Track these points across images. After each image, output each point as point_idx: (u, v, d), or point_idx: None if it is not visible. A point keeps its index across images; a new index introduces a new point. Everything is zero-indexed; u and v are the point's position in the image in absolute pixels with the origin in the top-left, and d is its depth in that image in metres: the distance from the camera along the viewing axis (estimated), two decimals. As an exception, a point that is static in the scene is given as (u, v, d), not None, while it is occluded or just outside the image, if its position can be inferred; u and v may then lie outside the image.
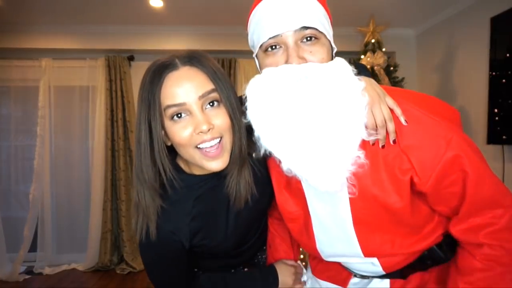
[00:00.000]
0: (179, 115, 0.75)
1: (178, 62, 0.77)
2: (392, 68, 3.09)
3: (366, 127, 0.68)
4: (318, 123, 0.65)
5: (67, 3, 2.92)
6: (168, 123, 0.77)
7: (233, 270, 1.04)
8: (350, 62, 0.73)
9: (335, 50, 0.78)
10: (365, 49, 3.07)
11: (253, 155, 0.78)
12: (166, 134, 0.79)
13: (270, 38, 0.70)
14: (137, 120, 0.79)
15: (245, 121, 0.74)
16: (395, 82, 3.06)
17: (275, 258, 1.05)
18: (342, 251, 0.83)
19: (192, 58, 0.78)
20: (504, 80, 2.52)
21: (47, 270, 3.37)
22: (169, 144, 0.81)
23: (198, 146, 0.76)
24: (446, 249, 0.79)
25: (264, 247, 1.11)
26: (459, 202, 0.71)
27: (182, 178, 0.84)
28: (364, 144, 0.70)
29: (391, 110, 0.70)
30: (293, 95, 0.66)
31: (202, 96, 0.75)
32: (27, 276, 3.30)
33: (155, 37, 3.51)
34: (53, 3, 2.89)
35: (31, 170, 3.44)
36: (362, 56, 3.04)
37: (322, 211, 0.80)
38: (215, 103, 0.78)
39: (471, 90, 3.01)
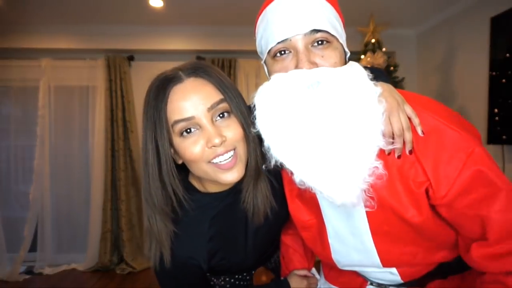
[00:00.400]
0: (188, 130, 0.71)
1: (182, 74, 0.73)
2: (392, 68, 3.09)
3: (383, 135, 0.63)
4: (332, 132, 0.61)
5: (67, 3, 2.91)
6: (177, 140, 0.72)
7: (245, 274, 1.00)
8: (366, 67, 0.70)
9: (348, 55, 0.74)
10: (365, 49, 3.07)
11: (264, 166, 0.74)
12: (175, 151, 0.75)
13: (278, 42, 0.67)
14: (143, 140, 0.76)
15: (254, 131, 0.69)
16: (395, 82, 3.06)
17: (289, 268, 1.01)
18: (359, 261, 0.79)
19: (197, 69, 0.75)
20: (504, 80, 2.52)
21: (47, 270, 3.37)
22: (179, 162, 0.77)
23: (212, 161, 0.72)
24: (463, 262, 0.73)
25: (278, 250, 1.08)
26: (483, 223, 0.64)
27: (196, 198, 0.80)
28: (381, 154, 0.66)
29: (409, 119, 0.66)
30: (304, 103, 0.62)
31: (211, 108, 0.71)
32: (27, 276, 3.29)
33: (155, 37, 3.51)
34: (53, 3, 2.89)
35: (31, 170, 3.44)
36: (362, 56, 3.04)
37: (338, 221, 0.77)
38: (225, 114, 0.74)
39: (471, 90, 3.01)
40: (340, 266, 0.84)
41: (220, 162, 0.72)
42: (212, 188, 0.82)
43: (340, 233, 0.78)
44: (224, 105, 0.73)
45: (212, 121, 0.72)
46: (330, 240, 0.80)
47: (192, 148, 0.71)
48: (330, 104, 0.61)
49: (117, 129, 3.52)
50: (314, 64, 0.65)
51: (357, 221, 0.73)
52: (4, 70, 3.45)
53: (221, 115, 0.74)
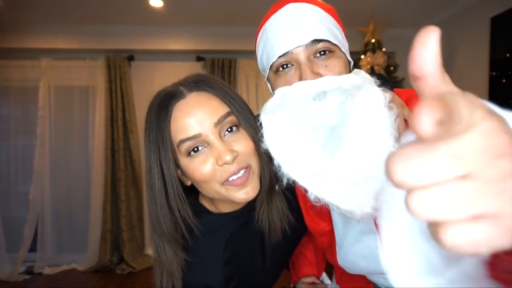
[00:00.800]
0: (195, 149, 0.66)
1: (184, 89, 0.69)
2: (392, 68, 3.09)
3: (398, 141, 0.60)
4: (344, 143, 0.59)
5: (67, 3, 2.91)
6: (184, 161, 0.67)
7: None
8: (371, 74, 0.67)
9: (352, 64, 0.73)
10: (365, 49, 3.07)
11: (276, 186, 0.70)
12: (183, 173, 0.70)
13: (280, 56, 0.65)
14: (146, 163, 0.70)
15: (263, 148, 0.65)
16: (395, 82, 3.06)
17: (298, 276, 1.00)
18: (367, 268, 0.77)
19: (199, 82, 0.70)
20: (504, 80, 2.52)
21: (47, 270, 3.37)
22: (188, 184, 0.73)
23: (227, 180, 0.67)
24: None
25: None
26: None
27: (208, 220, 0.75)
28: None
29: (407, 123, 0.63)
30: (312, 116, 0.59)
31: (218, 123, 0.66)
32: (27, 276, 3.29)
33: (155, 37, 3.51)
34: (53, 3, 2.89)
35: (31, 170, 3.44)
36: (362, 56, 3.04)
37: (346, 232, 0.75)
38: (234, 128, 0.69)
39: (471, 90, 2.92)
40: (348, 271, 0.82)
41: (232, 179, 0.67)
42: (225, 208, 0.77)
43: (347, 242, 0.76)
44: (231, 118, 0.68)
45: (221, 137, 0.67)
46: (337, 248, 0.79)
47: (201, 168, 0.66)
48: (339, 115, 0.59)
49: (117, 129, 3.52)
50: (318, 75, 0.63)
51: (365, 230, 0.71)
52: (4, 70, 3.45)
53: (229, 129, 0.69)
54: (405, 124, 0.64)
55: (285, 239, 0.79)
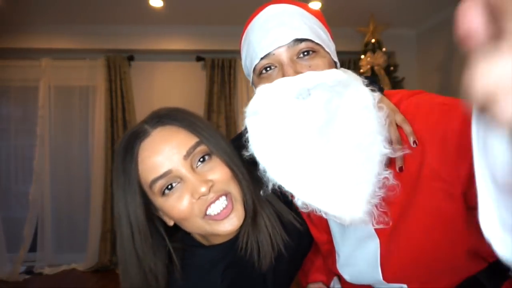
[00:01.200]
0: (169, 187, 0.63)
1: (148, 127, 0.66)
2: (392, 68, 3.10)
3: (389, 142, 0.58)
4: (331, 144, 0.56)
5: (67, 3, 2.92)
6: (159, 201, 0.64)
7: None
8: (371, 74, 0.67)
9: (338, 65, 0.70)
10: (365, 49, 3.07)
11: (261, 192, 0.66)
12: (164, 213, 0.67)
13: (262, 58, 0.63)
14: (115, 211, 0.66)
15: (247, 154, 0.62)
16: (395, 82, 3.06)
17: (307, 281, 0.97)
18: (369, 276, 0.73)
19: (162, 117, 0.67)
20: (504, 80, 2.52)
21: (47, 270, 3.37)
22: (171, 224, 0.69)
23: (206, 213, 0.64)
24: (490, 277, 0.65)
25: None
26: None
27: (201, 254, 0.72)
28: (392, 164, 0.60)
29: (400, 128, 0.61)
30: (296, 116, 0.56)
31: (187, 155, 0.63)
32: (27, 276, 3.29)
33: (155, 37, 3.51)
34: (53, 3, 2.90)
35: (31, 170, 3.44)
36: (362, 56, 3.04)
37: (344, 240, 0.72)
38: (206, 157, 0.66)
39: None
40: (351, 282, 0.79)
41: (215, 213, 0.64)
42: (217, 239, 0.73)
43: (346, 248, 0.73)
44: (202, 148, 0.65)
45: (193, 169, 0.64)
46: (336, 256, 0.77)
47: (178, 206, 0.63)
48: (325, 114, 0.56)
49: (117, 129, 3.52)
50: None
51: (363, 236, 0.68)
52: (4, 70, 3.45)
53: (201, 160, 0.66)
54: (398, 130, 0.61)
55: (284, 261, 0.74)
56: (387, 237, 0.65)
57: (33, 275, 3.34)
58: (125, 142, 0.66)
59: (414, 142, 0.59)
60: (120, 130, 3.51)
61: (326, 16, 0.73)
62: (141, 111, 3.59)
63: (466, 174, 0.55)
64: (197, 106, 3.56)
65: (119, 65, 3.53)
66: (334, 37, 0.72)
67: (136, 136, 0.65)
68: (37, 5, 2.92)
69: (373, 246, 0.67)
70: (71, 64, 3.53)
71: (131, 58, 3.63)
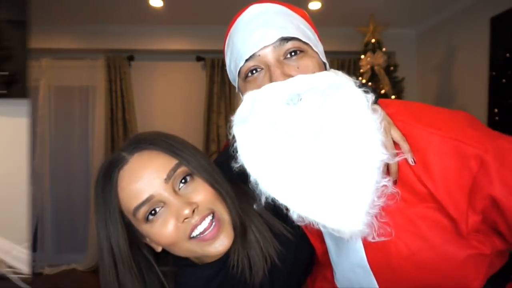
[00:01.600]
0: (153, 212, 0.61)
1: (125, 154, 0.64)
2: (392, 68, 3.09)
3: (385, 147, 0.54)
4: (325, 152, 0.53)
5: (67, 3, 2.92)
6: (145, 228, 0.63)
7: None
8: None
9: (327, 65, 0.67)
10: (365, 49, 3.07)
11: (254, 206, 0.64)
12: (151, 240, 0.66)
13: (246, 60, 0.60)
14: (98, 242, 0.65)
15: (237, 165, 0.59)
16: (395, 82, 3.06)
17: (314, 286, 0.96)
18: (366, 284, 0.71)
19: (139, 142, 0.65)
20: (504, 80, 2.52)
21: (47, 270, 3.37)
22: (159, 250, 0.68)
23: (192, 235, 0.62)
24: (493, 279, 0.62)
25: None
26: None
27: (194, 273, 0.71)
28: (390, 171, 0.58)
29: (396, 145, 0.58)
30: (287, 123, 0.53)
31: (168, 178, 0.62)
32: (27, 276, 3.30)
33: (155, 37, 3.51)
34: (53, 3, 2.90)
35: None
36: (362, 56, 3.04)
37: (338, 262, 0.70)
38: (188, 177, 0.64)
39: (471, 90, 3.01)
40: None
41: (202, 234, 0.62)
42: (209, 259, 0.71)
43: (338, 261, 0.71)
44: (182, 169, 0.64)
45: (175, 192, 0.62)
46: (333, 266, 0.74)
47: (164, 231, 0.61)
48: (318, 120, 0.53)
49: (117, 129, 3.52)
50: (290, 77, 0.57)
51: (356, 263, 0.65)
52: (4, 70, 3.45)
53: (183, 181, 0.64)
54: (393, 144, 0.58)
55: (280, 272, 0.73)
56: (382, 272, 0.62)
57: (33, 275, 3.34)
58: (103, 172, 0.64)
59: (413, 160, 0.56)
60: (120, 130, 3.51)
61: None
62: (141, 111, 3.60)
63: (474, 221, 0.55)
64: (197, 106, 3.56)
65: (119, 65, 3.53)
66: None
67: (114, 165, 0.63)
68: (38, 5, 2.92)
69: (367, 276, 0.64)
70: (71, 64, 3.53)
71: (131, 58, 3.63)
